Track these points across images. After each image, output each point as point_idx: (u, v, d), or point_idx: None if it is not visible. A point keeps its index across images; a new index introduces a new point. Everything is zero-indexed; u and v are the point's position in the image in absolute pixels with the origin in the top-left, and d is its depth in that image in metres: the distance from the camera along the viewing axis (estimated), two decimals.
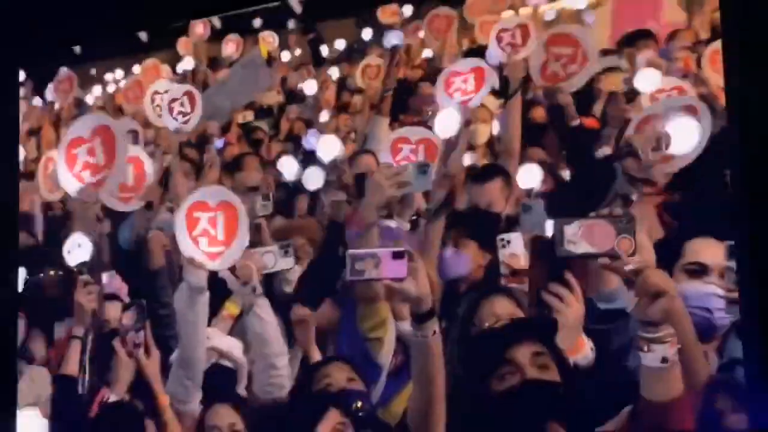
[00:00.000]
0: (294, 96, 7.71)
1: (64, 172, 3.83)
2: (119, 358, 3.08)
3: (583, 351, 2.39)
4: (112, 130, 3.88)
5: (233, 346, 3.41)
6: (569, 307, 2.24)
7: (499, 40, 4.69)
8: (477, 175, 3.98)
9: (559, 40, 4.47)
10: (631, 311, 2.14)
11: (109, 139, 3.84)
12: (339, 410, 2.53)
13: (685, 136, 3.15)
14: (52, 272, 4.12)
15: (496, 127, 4.81)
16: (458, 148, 3.77)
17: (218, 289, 3.46)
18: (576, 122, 4.39)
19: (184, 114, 5.20)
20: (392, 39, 5.62)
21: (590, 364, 2.40)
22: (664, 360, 1.98)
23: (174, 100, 5.28)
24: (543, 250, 2.21)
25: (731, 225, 2.14)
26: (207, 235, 3.37)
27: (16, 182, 3.50)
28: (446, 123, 3.95)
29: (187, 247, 3.36)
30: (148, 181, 4.33)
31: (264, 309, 3.25)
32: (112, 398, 3.05)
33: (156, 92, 6.06)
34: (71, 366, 3.22)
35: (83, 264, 3.48)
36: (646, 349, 1.99)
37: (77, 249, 3.54)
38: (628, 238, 2.06)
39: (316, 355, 3.26)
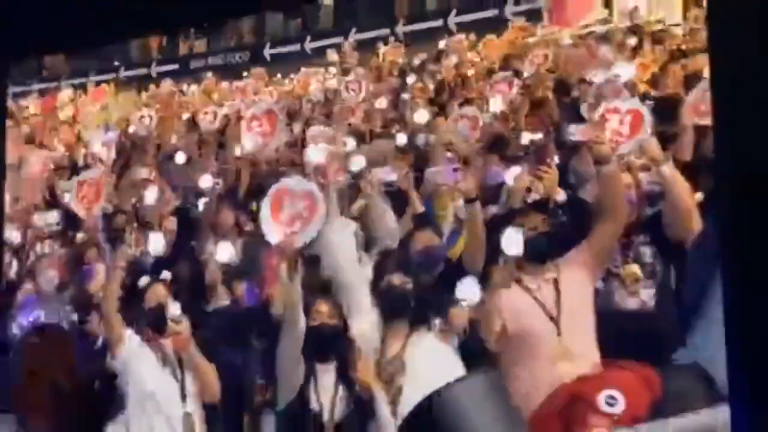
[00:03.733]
0: None
1: (245, 129, 6.27)
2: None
3: (559, 194, 4.42)
4: (275, 113, 6.37)
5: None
6: (549, 175, 4.43)
7: (530, 62, 7.77)
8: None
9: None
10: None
11: (273, 120, 6.26)
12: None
13: None
14: None
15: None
16: None
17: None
18: (576, 94, 6.95)
19: (356, 92, 8.17)
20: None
21: (564, 200, 4.41)
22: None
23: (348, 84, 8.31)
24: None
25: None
26: None
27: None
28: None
29: None
30: None
31: (381, 203, 5.16)
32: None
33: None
34: None
35: None
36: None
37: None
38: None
39: None
